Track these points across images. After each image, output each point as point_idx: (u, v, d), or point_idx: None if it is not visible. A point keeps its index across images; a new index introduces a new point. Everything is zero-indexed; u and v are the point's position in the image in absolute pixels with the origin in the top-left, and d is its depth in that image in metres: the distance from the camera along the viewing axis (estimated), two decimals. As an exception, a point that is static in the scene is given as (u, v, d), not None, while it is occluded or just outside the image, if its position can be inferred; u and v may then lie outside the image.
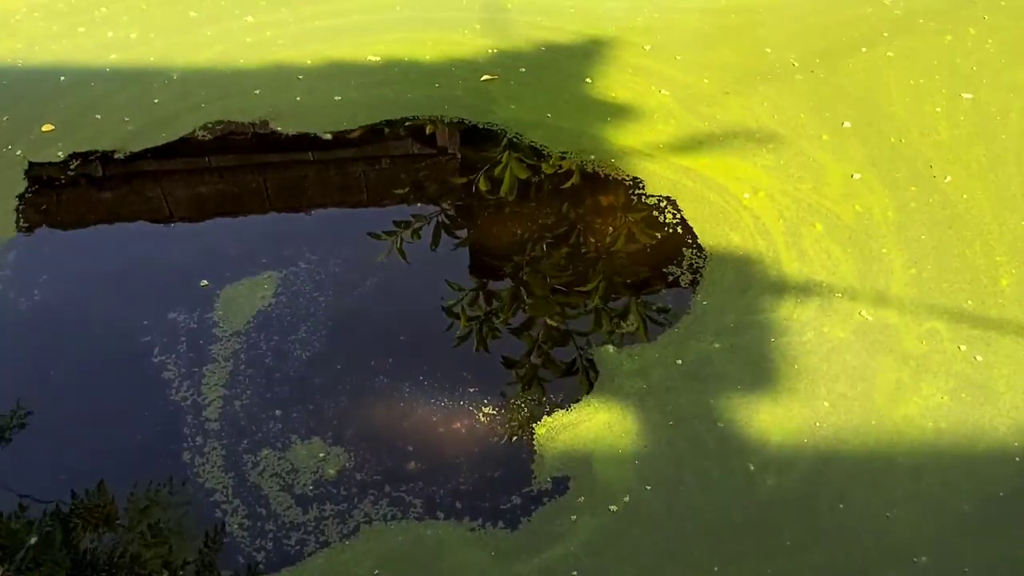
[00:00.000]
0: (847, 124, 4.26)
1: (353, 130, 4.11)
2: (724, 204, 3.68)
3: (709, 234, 3.49)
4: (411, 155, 4.09)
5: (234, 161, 3.99)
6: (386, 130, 4.13)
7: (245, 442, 2.70)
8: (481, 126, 4.15)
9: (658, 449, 2.69)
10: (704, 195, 3.74)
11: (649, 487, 2.59)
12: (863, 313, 3.16)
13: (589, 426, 2.75)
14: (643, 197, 3.72)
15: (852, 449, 2.71)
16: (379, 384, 2.87)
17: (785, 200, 3.71)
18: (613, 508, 2.53)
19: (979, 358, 3.01)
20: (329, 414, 2.77)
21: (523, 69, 4.68)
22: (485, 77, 4.56)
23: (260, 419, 2.76)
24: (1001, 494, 2.59)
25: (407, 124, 4.17)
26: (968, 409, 2.83)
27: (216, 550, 2.43)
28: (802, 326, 3.09)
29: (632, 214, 3.64)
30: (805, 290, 3.25)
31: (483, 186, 3.82)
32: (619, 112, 4.35)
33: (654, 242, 3.49)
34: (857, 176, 3.88)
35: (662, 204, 3.68)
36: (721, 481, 2.61)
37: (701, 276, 3.30)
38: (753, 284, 3.27)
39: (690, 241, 3.46)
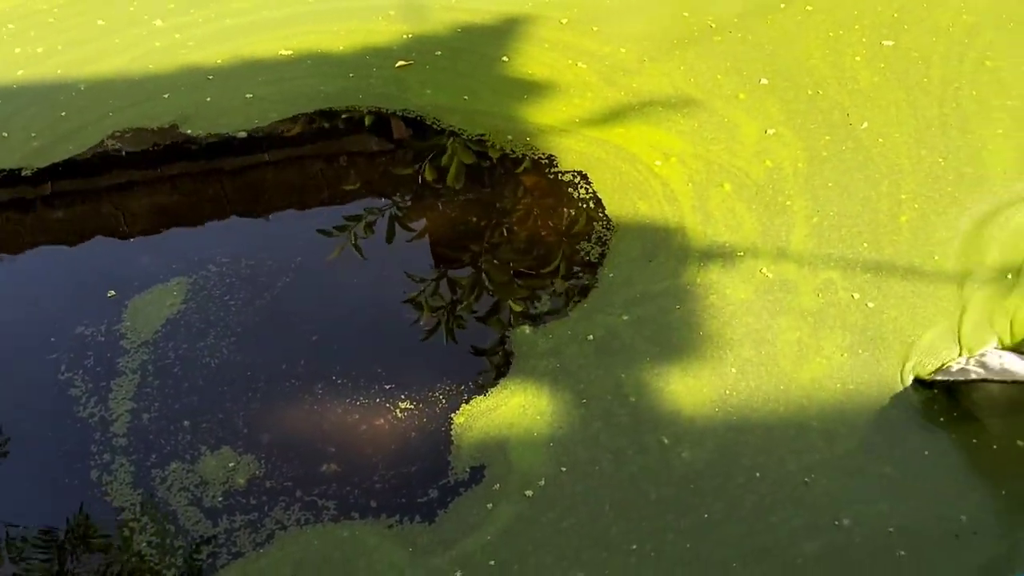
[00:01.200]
0: (764, 81, 4.17)
1: (264, 127, 3.96)
2: (635, 173, 3.59)
3: (617, 205, 3.41)
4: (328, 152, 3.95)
5: (143, 168, 3.82)
6: (321, 124, 4.00)
7: (153, 456, 2.58)
8: (400, 113, 4.02)
9: (572, 430, 2.61)
10: (616, 166, 3.64)
11: (564, 469, 2.52)
12: (764, 271, 3.10)
13: (505, 411, 2.67)
14: (557, 174, 3.61)
15: (763, 416, 2.66)
16: (290, 387, 2.76)
17: (696, 163, 3.63)
18: (529, 493, 2.46)
19: (871, 304, 2.97)
20: (238, 422, 2.66)
21: (439, 53, 4.54)
22: (400, 64, 4.42)
23: (168, 432, 2.64)
24: (926, 452, 2.54)
25: (342, 117, 4.03)
26: (869, 366, 2.78)
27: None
28: (705, 290, 3.02)
29: (543, 192, 3.54)
30: (708, 253, 3.19)
31: (429, 175, 3.72)
32: (536, 89, 4.23)
33: (565, 219, 3.39)
34: (771, 131, 3.80)
35: (575, 180, 3.57)
36: (636, 459, 2.55)
37: (608, 248, 3.21)
38: (659, 252, 3.19)
39: (600, 214, 3.37)
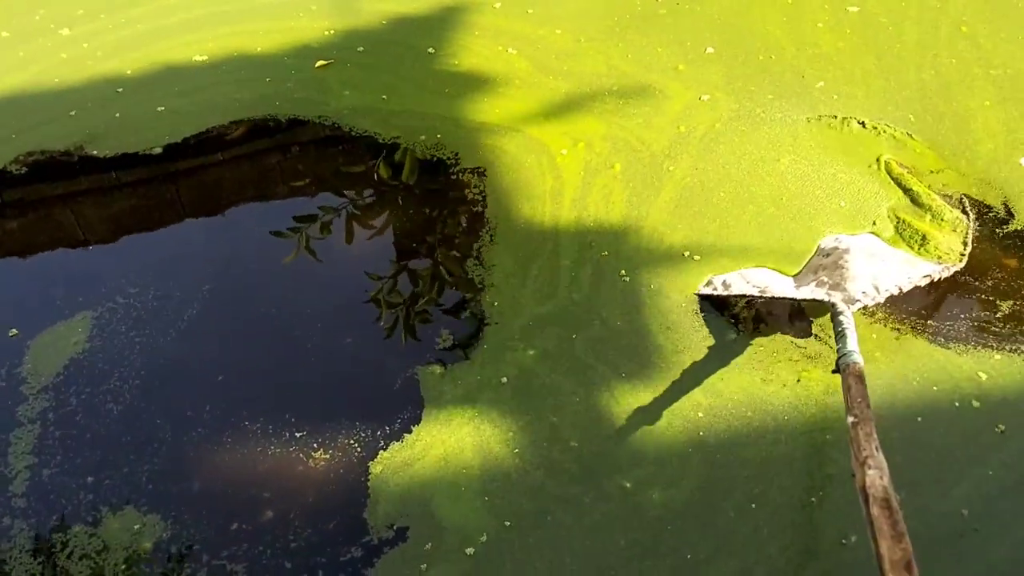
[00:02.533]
0: (710, 50, 3.99)
1: (176, 143, 3.70)
2: (536, 167, 3.44)
3: (503, 209, 3.23)
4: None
5: (47, 194, 3.56)
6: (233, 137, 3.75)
7: (54, 519, 2.37)
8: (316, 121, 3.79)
9: (509, 482, 2.38)
10: (521, 160, 3.47)
11: (508, 523, 2.29)
12: (623, 274, 2.93)
13: (425, 464, 2.44)
14: (457, 174, 3.42)
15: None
16: (196, 436, 2.54)
17: (602, 146, 3.48)
18: (470, 551, 2.25)
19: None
20: (142, 478, 2.44)
21: (361, 49, 4.30)
22: (320, 63, 4.17)
23: (70, 490, 2.43)
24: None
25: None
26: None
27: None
28: (586, 310, 2.83)
29: (437, 199, 3.34)
30: (579, 260, 3.00)
31: (384, 172, 3.50)
32: (461, 82, 4.01)
33: (449, 230, 3.19)
34: (705, 98, 3.63)
35: (471, 180, 3.38)
36: (596, 506, 2.33)
37: (489, 269, 3.01)
38: (532, 265, 3.00)
39: (487, 221, 3.19)
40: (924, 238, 3.04)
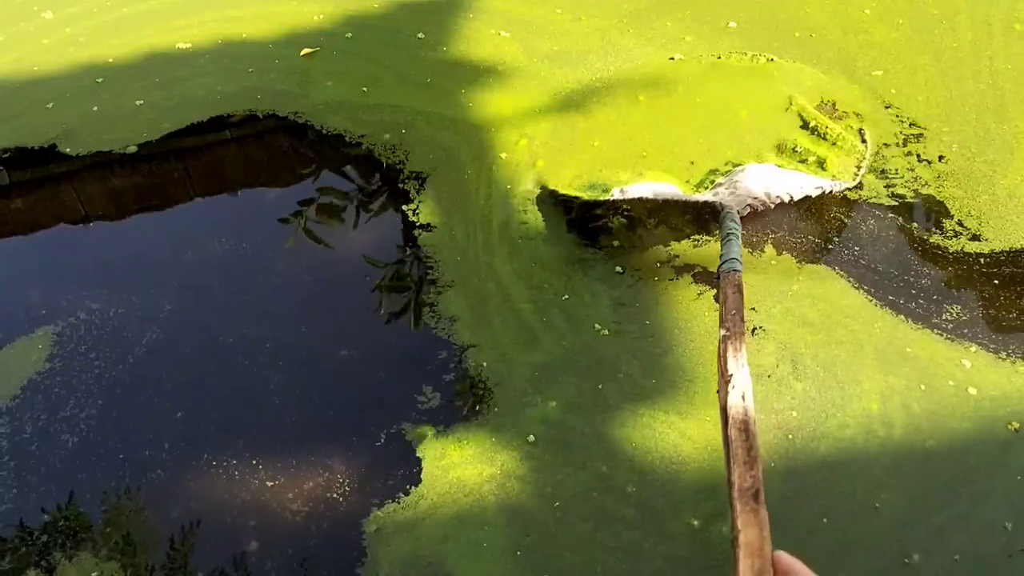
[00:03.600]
0: (732, 24, 3.79)
1: (154, 141, 3.57)
2: (478, 170, 3.27)
3: (439, 228, 3.08)
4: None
5: (27, 195, 3.45)
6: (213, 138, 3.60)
7: (6, 561, 2.30)
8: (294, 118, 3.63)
9: (548, 535, 2.19)
10: (467, 161, 3.32)
11: None
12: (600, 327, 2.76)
13: (434, 524, 2.23)
14: (399, 180, 3.27)
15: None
16: (156, 480, 2.42)
17: (546, 142, 3.32)
18: None
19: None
20: (98, 519, 2.35)
21: (349, 35, 4.11)
22: (305, 51, 4.00)
23: (23, 529, 2.35)
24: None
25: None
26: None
27: None
28: (587, 353, 2.68)
29: (373, 215, 3.20)
30: (537, 302, 2.84)
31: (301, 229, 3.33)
32: (445, 70, 3.83)
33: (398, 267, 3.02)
34: (677, 57, 3.43)
35: (410, 190, 3.23)
36: (659, 549, 2.15)
37: (442, 306, 2.83)
38: (486, 305, 2.80)
39: (425, 251, 3.03)
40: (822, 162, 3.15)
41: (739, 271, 2.45)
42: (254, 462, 2.43)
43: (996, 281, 2.83)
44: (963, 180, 3.15)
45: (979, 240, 2.95)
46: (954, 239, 2.96)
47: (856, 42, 3.81)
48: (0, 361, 2.77)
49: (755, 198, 2.92)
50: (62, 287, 3.01)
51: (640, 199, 2.98)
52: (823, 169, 3.12)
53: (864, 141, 3.27)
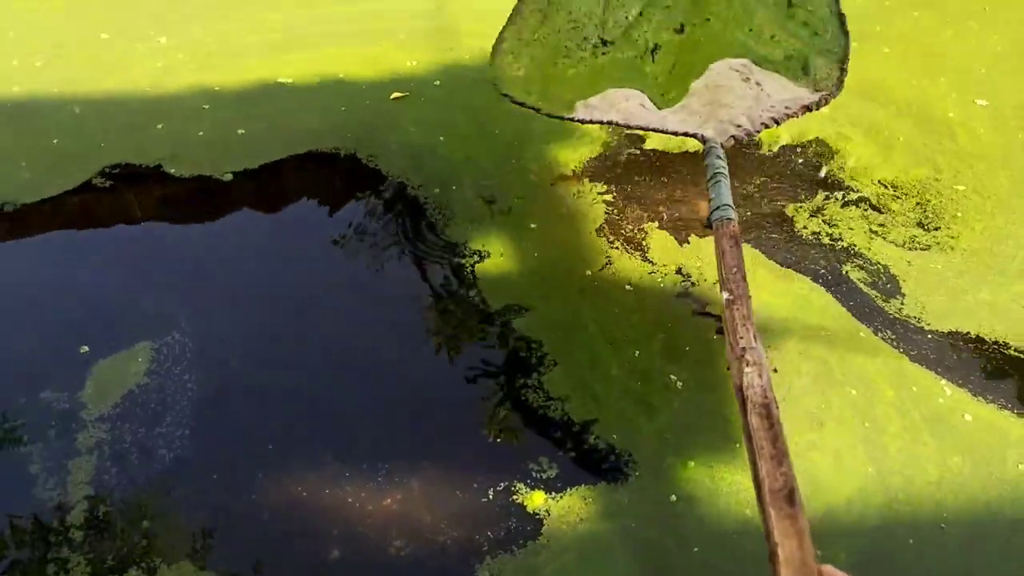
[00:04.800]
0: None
1: (252, 169, 3.78)
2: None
3: (532, 308, 3.18)
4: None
5: (131, 210, 3.67)
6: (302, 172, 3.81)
7: (110, 559, 2.47)
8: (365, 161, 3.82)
9: None
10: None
11: None
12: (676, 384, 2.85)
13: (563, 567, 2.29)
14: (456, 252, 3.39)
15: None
16: (249, 504, 2.58)
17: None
18: None
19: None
20: (196, 529, 2.52)
21: (438, 83, 4.31)
22: (395, 95, 4.20)
23: (126, 532, 2.51)
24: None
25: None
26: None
27: None
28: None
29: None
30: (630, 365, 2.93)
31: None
32: (519, 124, 3.98)
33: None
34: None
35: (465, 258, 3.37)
36: None
37: (549, 385, 2.97)
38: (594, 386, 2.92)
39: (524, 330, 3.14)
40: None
41: (733, 219, 2.19)
42: (350, 500, 2.58)
43: None
44: None
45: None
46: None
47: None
48: (102, 370, 2.96)
49: (738, 126, 2.62)
50: (159, 303, 3.21)
51: (608, 122, 2.70)
52: (805, 74, 2.84)
53: (846, 31, 2.96)
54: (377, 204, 3.62)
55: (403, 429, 2.75)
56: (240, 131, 3.98)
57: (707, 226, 2.25)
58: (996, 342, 2.96)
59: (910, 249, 3.32)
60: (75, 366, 2.95)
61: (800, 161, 3.77)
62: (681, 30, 3.00)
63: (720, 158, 2.43)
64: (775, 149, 3.84)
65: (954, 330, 3.00)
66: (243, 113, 4.09)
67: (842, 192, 3.59)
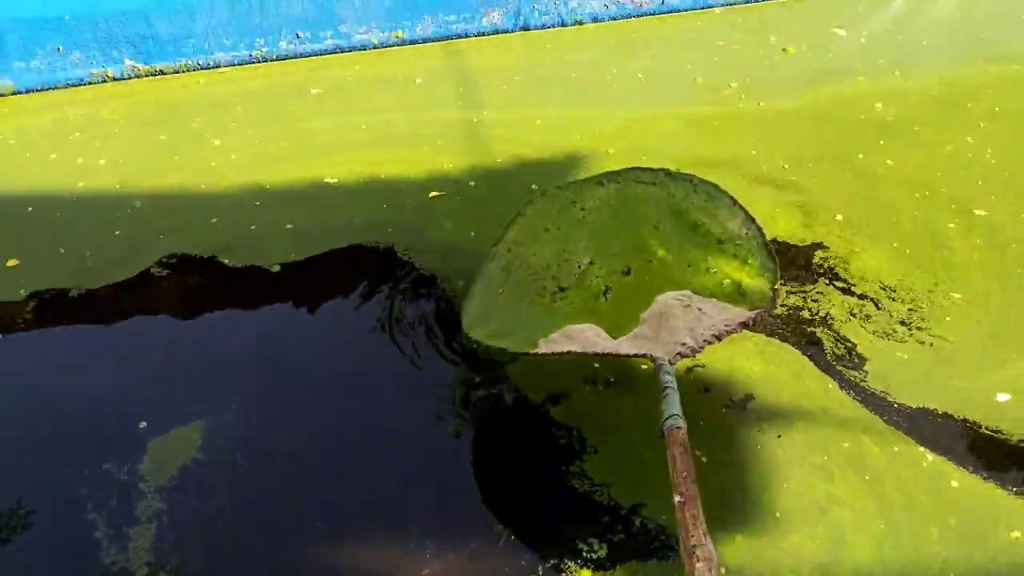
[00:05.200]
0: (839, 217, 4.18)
1: (300, 261, 4.05)
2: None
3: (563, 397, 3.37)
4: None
5: (188, 297, 3.92)
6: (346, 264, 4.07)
7: (163, 625, 2.59)
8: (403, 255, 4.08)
9: None
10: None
11: None
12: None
13: None
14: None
15: None
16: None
17: None
18: None
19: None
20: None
21: (472, 183, 4.62)
22: (433, 194, 4.50)
23: (180, 596, 2.66)
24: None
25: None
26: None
27: None
28: None
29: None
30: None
31: None
32: None
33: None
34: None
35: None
36: None
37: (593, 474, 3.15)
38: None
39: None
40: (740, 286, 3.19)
41: (682, 428, 2.40)
42: (399, 571, 2.71)
43: None
44: None
45: None
46: None
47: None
48: (159, 445, 3.14)
49: (683, 344, 2.88)
50: (212, 384, 3.41)
51: (568, 352, 2.98)
52: (741, 296, 3.13)
53: (772, 256, 3.29)
54: (411, 296, 3.85)
55: (452, 508, 2.90)
56: (288, 226, 4.26)
57: (660, 436, 2.48)
58: (965, 419, 3.12)
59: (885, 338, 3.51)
60: (134, 440, 3.14)
61: (803, 257, 4.01)
62: (628, 272, 3.38)
63: (669, 374, 2.70)
64: (784, 249, 4.08)
65: (922, 406, 3.18)
66: (291, 209, 4.38)
67: (832, 280, 3.81)
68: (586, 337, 2.99)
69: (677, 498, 2.12)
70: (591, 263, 3.48)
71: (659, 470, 2.94)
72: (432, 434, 3.17)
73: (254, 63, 5.91)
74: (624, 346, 2.93)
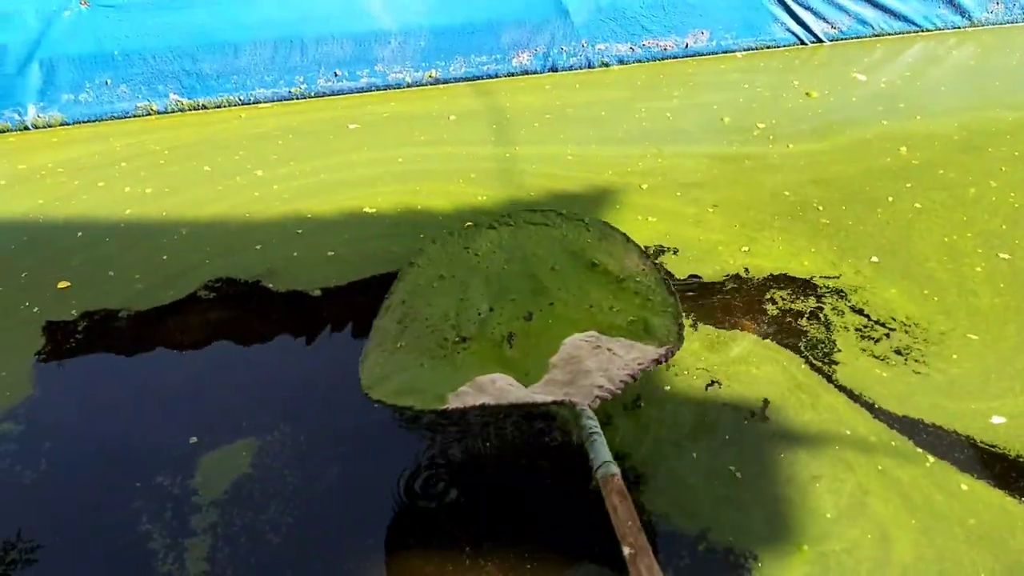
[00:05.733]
0: (875, 259, 4.26)
1: (343, 286, 4.16)
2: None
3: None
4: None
5: (233, 318, 4.02)
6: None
7: (215, 638, 2.65)
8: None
9: None
10: None
11: None
12: None
13: None
14: None
15: None
16: None
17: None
18: None
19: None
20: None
21: (506, 215, 4.73)
22: (467, 225, 4.61)
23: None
24: None
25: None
26: None
27: None
28: None
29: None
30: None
31: None
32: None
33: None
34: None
35: None
36: None
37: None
38: None
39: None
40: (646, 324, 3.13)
41: (616, 473, 2.26)
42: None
43: None
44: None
45: None
46: None
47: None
48: (209, 461, 3.22)
49: (600, 387, 2.71)
50: (260, 402, 3.50)
51: (481, 406, 2.69)
52: (647, 333, 3.06)
53: (672, 292, 3.25)
54: None
55: (507, 521, 2.97)
56: (329, 253, 4.38)
57: (594, 487, 2.37)
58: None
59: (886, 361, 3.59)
60: (185, 455, 3.23)
61: (835, 294, 4.09)
62: (530, 317, 3.34)
63: (591, 419, 2.53)
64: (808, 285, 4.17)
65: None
66: (332, 238, 4.51)
67: (855, 312, 3.89)
68: (498, 388, 2.77)
69: (627, 550, 2.00)
70: (491, 310, 3.41)
71: (703, 490, 3.01)
72: (476, 451, 3.25)
73: (293, 99, 6.09)
74: (540, 394, 2.73)
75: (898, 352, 3.68)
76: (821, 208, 4.75)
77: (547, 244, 3.62)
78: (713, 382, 3.48)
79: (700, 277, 4.17)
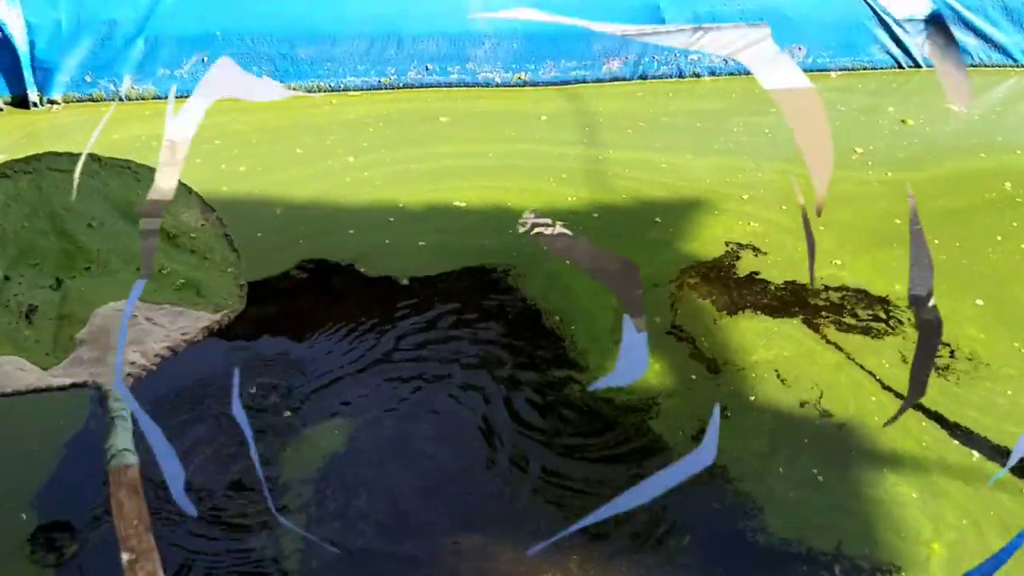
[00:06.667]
0: (979, 302, 4.09)
1: (432, 276, 4.13)
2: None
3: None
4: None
5: (326, 298, 4.02)
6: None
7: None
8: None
9: None
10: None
11: None
12: None
13: None
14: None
15: None
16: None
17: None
18: None
19: None
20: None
21: (596, 215, 4.68)
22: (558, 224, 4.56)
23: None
24: None
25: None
26: None
27: None
28: None
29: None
30: None
31: None
32: (670, 259, 4.27)
33: None
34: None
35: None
36: None
37: None
38: None
39: None
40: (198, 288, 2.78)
41: (133, 464, 1.96)
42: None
43: None
44: None
45: None
46: None
47: None
48: (304, 438, 3.21)
49: (132, 363, 2.39)
50: (352, 381, 3.49)
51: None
52: (201, 297, 2.78)
53: (235, 249, 2.98)
54: (514, 322, 3.91)
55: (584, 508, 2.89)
56: (420, 243, 4.36)
57: (104, 483, 2.03)
58: None
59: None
60: (280, 428, 3.22)
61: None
62: (58, 285, 2.81)
63: (117, 400, 2.19)
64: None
65: None
66: (423, 227, 4.49)
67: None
68: (5, 372, 2.35)
69: (126, 556, 1.72)
70: (6, 278, 2.80)
71: (783, 495, 2.90)
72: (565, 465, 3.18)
73: (383, 89, 6.11)
74: (59, 378, 2.36)
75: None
76: (937, 242, 4.53)
77: (83, 196, 3.03)
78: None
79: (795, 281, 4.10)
